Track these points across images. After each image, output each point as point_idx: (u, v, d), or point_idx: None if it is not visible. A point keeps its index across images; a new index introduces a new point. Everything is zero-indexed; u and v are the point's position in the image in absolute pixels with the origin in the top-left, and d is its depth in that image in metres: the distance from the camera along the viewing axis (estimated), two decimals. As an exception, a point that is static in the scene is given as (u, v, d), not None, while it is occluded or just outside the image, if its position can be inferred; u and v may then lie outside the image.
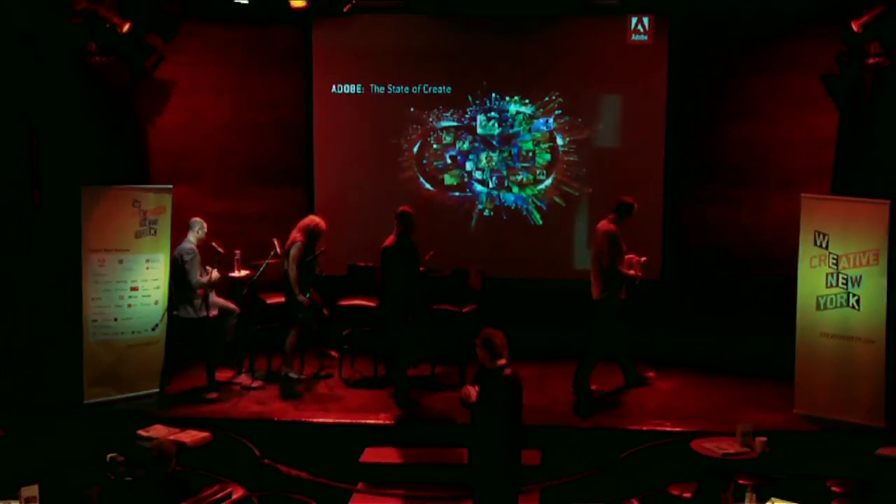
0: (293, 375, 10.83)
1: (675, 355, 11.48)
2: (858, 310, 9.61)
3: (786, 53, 11.60)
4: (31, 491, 7.00)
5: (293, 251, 10.38)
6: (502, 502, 7.51)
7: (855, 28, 10.27)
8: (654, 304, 11.93)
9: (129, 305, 10.21)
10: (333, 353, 11.29)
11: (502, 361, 7.35)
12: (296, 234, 10.67)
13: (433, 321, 10.74)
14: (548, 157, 12.30)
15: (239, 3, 11.23)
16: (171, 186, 10.72)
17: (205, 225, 10.45)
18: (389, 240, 10.21)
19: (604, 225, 10.29)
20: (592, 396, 10.33)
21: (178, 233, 10.52)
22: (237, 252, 11.01)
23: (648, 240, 11.89)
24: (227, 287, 10.92)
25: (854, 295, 9.63)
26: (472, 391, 7.33)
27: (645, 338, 11.54)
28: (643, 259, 10.42)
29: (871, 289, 9.54)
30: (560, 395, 10.31)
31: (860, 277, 9.60)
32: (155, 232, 10.31)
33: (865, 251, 9.55)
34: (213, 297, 10.63)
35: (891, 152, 10.06)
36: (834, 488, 7.52)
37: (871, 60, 10.35)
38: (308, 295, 10.46)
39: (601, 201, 11.86)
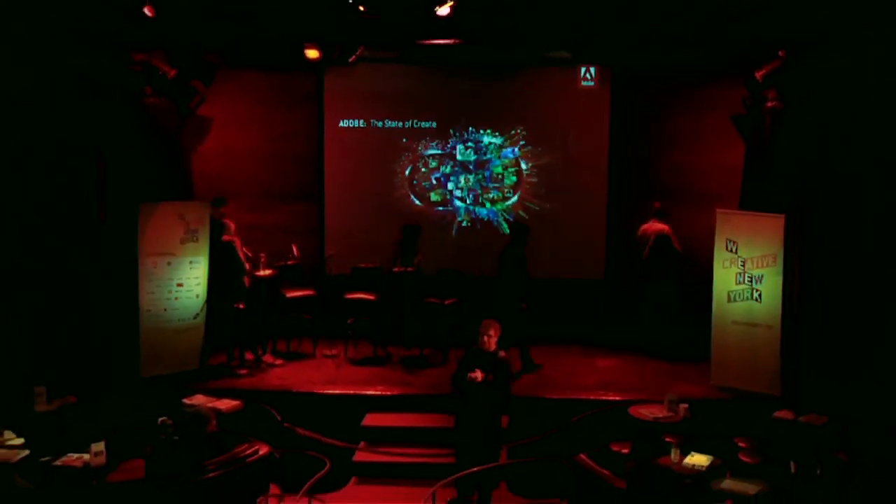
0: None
1: (617, 340, 11.47)
2: (760, 302, 9.71)
3: (703, 97, 11.63)
4: (99, 447, 7.03)
5: None
6: (487, 458, 7.57)
7: (757, 78, 10.28)
8: (599, 298, 12.02)
9: (176, 298, 10.21)
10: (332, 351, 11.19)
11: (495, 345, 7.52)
12: None
13: (426, 311, 10.80)
14: (514, 178, 12.29)
15: (264, 55, 11.23)
16: (208, 203, 10.68)
17: None
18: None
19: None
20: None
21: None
22: (262, 255, 10.96)
23: (594, 245, 12.09)
24: (254, 282, 10.83)
25: (757, 290, 9.73)
26: (479, 374, 7.36)
27: (592, 326, 11.68)
28: None
29: (770, 285, 9.64)
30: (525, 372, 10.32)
31: (762, 276, 9.69)
32: (197, 239, 10.30)
33: (766, 255, 9.65)
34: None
35: (785, 177, 10.00)
36: (740, 444, 7.51)
37: (769, 104, 10.36)
38: None
39: (557, 214, 12.05)
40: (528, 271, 10.35)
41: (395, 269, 11.00)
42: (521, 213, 12.26)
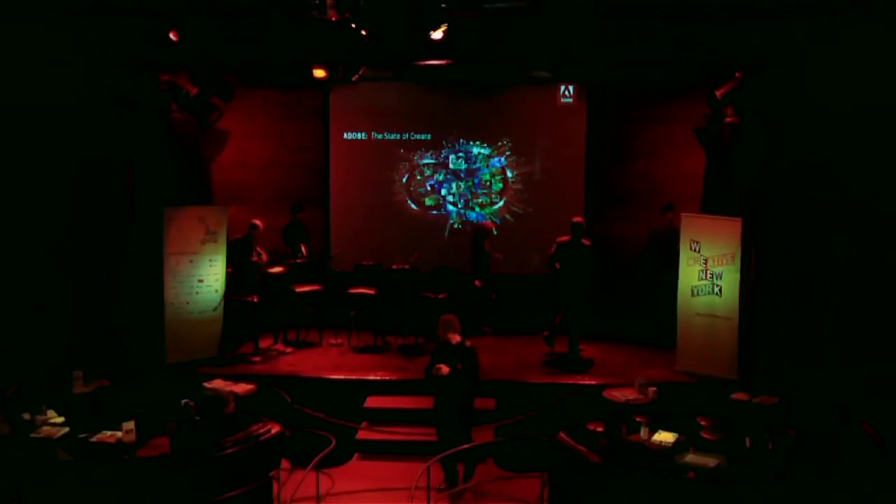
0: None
1: (594, 331, 11.23)
2: (720, 296, 9.73)
3: (669, 113, 11.63)
4: (130, 425, 7.04)
5: None
6: (460, 436, 7.65)
7: (717, 96, 10.30)
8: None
9: (197, 293, 10.24)
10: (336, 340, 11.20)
11: (459, 338, 7.56)
12: None
13: (422, 304, 10.78)
14: (500, 185, 12.32)
15: (277, 74, 11.28)
16: (227, 207, 10.79)
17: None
18: (564, 238, 10.27)
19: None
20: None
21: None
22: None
23: None
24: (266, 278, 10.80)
25: (717, 285, 9.75)
26: (444, 368, 7.38)
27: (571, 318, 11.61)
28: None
29: (729, 281, 9.66)
30: (510, 359, 10.31)
31: (721, 273, 9.71)
32: (216, 240, 10.32)
33: (725, 254, 9.67)
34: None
35: (741, 184, 9.99)
36: (702, 422, 7.49)
37: (727, 120, 10.37)
38: None
39: (539, 218, 12.05)
40: (592, 262, 10.34)
41: (394, 267, 11.02)
42: (507, 216, 12.29)
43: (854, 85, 8.08)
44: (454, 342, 7.61)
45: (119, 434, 7.06)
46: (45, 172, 8.81)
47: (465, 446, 7.62)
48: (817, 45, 8.26)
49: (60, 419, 7.44)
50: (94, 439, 7.06)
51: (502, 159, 12.31)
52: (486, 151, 12.33)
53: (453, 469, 7.87)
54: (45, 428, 7.25)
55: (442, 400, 7.80)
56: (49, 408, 7.52)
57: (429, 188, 12.38)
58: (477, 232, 11.41)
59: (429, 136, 12.34)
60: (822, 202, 8.71)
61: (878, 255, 7.78)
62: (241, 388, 8.57)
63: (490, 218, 12.31)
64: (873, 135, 7.83)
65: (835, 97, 8.45)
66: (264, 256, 10.89)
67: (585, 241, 10.37)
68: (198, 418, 7.28)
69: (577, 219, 10.40)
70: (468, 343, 7.65)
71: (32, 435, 7.14)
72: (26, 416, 7.32)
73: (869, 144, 7.91)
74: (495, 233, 11.91)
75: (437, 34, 8.26)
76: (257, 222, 10.85)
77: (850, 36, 7.80)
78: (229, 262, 10.57)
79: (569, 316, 10.38)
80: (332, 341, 11.13)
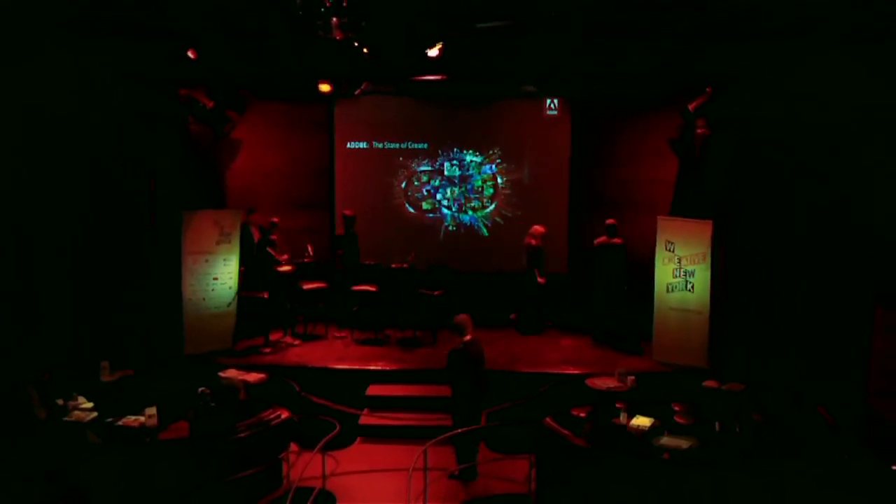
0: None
1: (576, 324, 11.42)
2: (693, 292, 9.79)
3: (645, 124, 11.61)
4: (152, 411, 7.15)
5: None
6: (474, 418, 7.68)
7: (689, 109, 10.35)
8: (562, 289, 11.92)
9: (212, 290, 10.25)
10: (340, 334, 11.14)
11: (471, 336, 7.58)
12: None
13: (419, 301, 10.77)
14: (491, 191, 12.26)
15: (285, 89, 11.23)
16: (240, 210, 10.79)
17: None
18: (601, 239, 10.63)
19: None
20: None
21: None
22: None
23: (558, 245, 11.98)
24: (276, 276, 10.79)
25: (690, 282, 9.80)
26: None
27: (555, 312, 11.62)
28: None
29: (701, 279, 9.73)
30: (502, 351, 10.24)
31: (694, 271, 9.77)
32: (230, 241, 10.33)
33: (697, 254, 9.74)
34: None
35: (712, 189, 10.11)
36: (676, 408, 7.57)
37: (699, 131, 10.40)
38: None
39: (527, 220, 11.91)
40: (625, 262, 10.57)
41: (393, 266, 11.01)
42: (497, 219, 12.26)
43: (809, 101, 8.13)
44: (468, 340, 7.62)
45: (142, 419, 7.16)
46: (76, 178, 8.79)
47: (460, 430, 7.64)
48: (777, 65, 8.30)
49: (89, 405, 7.51)
50: (119, 423, 7.14)
51: (493, 167, 12.28)
52: (478, 159, 12.30)
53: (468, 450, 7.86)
54: (77, 412, 7.34)
55: (456, 387, 7.78)
56: (79, 394, 7.60)
57: (425, 193, 12.35)
58: (533, 235, 11.21)
59: (425, 145, 12.31)
60: (785, 207, 8.72)
61: (832, 254, 7.88)
62: (253, 377, 8.65)
63: (482, 220, 12.30)
64: (826, 146, 7.92)
65: (792, 112, 8.47)
66: (286, 255, 10.94)
67: (618, 241, 10.60)
68: (213, 405, 7.38)
69: (611, 221, 10.70)
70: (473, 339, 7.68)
71: (65, 419, 7.24)
72: (59, 401, 7.40)
73: (823, 155, 8.00)
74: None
75: (432, 52, 8.29)
76: (276, 220, 10.93)
77: (806, 58, 7.88)
78: (245, 261, 10.60)
79: (609, 309, 10.50)
80: (337, 334, 11.12)
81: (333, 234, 12.13)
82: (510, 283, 11.55)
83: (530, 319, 11.16)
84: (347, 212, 11.49)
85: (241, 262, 10.53)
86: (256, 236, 11.08)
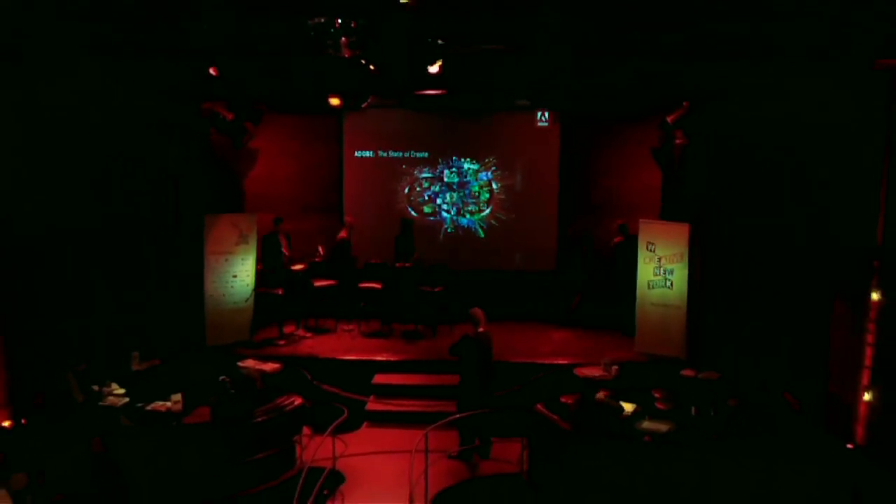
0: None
1: (565, 318, 11.46)
2: (672, 289, 9.80)
3: (629, 134, 11.59)
4: (177, 397, 7.24)
5: None
6: (484, 402, 7.70)
7: (668, 121, 10.36)
8: (551, 286, 12.00)
9: (232, 287, 10.27)
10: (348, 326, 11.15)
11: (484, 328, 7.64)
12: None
13: (421, 297, 10.74)
14: (487, 196, 12.26)
15: (299, 103, 11.19)
16: (255, 214, 10.77)
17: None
18: (619, 238, 10.85)
19: None
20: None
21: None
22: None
23: (548, 245, 12.04)
24: (290, 274, 10.83)
25: (669, 280, 9.81)
26: None
27: (546, 307, 11.64)
28: None
29: (679, 276, 9.76)
30: (498, 342, 10.05)
31: (673, 269, 9.79)
32: (247, 242, 10.36)
33: (675, 254, 9.76)
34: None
35: (689, 195, 10.12)
36: (656, 394, 7.59)
37: (678, 141, 10.39)
38: None
39: (520, 223, 12.02)
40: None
41: (398, 265, 11.01)
42: (493, 222, 12.25)
43: (775, 115, 8.17)
44: (481, 331, 7.66)
45: (169, 404, 7.26)
46: (108, 185, 8.80)
47: (458, 415, 7.68)
48: (746, 83, 8.33)
49: (122, 391, 7.58)
50: (148, 408, 7.21)
51: (489, 173, 12.29)
52: (474, 167, 12.30)
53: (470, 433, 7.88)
54: (110, 398, 7.42)
55: (465, 374, 7.80)
56: (113, 381, 7.66)
57: (426, 198, 12.37)
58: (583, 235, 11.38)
59: (426, 154, 12.31)
60: (755, 210, 8.74)
61: (796, 253, 7.95)
62: (269, 366, 8.68)
63: (478, 223, 12.30)
64: (792, 156, 7.99)
65: (761, 124, 8.48)
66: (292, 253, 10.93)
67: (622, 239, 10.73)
68: (233, 392, 7.44)
69: (621, 221, 10.92)
70: (481, 329, 7.74)
71: (100, 403, 7.31)
72: (95, 387, 7.46)
73: (790, 163, 8.06)
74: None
75: (433, 68, 8.35)
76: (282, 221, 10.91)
77: (772, 77, 7.95)
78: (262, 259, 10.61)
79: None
80: (345, 328, 11.13)
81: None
82: (504, 281, 11.56)
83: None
84: (348, 218, 11.55)
85: (267, 266, 10.55)
86: (284, 244, 10.98)
